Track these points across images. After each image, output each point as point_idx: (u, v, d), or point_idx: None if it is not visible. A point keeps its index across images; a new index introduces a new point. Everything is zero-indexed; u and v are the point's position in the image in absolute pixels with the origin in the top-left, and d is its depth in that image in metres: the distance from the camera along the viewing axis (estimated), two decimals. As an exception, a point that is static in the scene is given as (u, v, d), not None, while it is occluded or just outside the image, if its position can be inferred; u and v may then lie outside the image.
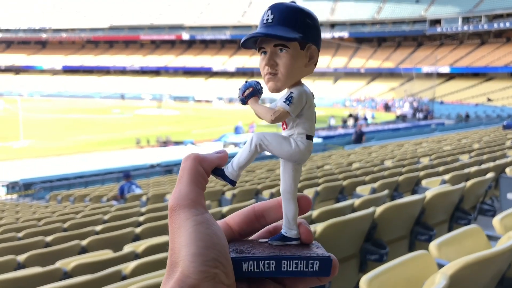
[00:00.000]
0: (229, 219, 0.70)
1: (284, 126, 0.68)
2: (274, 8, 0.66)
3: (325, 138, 28.97)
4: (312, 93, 0.68)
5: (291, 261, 0.61)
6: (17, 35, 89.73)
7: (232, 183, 0.68)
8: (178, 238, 0.57)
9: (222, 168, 0.68)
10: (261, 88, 0.69)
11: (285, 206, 0.67)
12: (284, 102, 0.66)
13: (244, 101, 0.68)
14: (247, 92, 0.68)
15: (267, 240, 0.68)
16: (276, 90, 0.67)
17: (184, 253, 0.56)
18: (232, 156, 0.68)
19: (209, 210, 5.87)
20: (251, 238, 0.70)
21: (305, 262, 0.61)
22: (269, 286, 0.62)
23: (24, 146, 30.19)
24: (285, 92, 0.67)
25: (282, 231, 0.67)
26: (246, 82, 0.69)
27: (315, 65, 0.68)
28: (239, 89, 0.69)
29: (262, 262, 0.61)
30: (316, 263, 0.61)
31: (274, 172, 11.85)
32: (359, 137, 24.84)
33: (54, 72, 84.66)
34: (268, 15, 0.67)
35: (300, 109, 0.66)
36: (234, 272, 0.59)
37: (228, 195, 8.78)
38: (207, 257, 0.55)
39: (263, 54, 0.67)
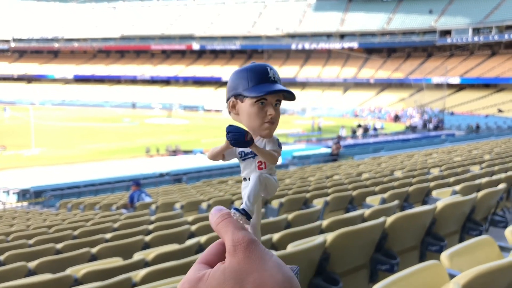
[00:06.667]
0: None
1: (263, 166, 0.79)
2: (273, 68, 0.82)
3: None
4: None
5: None
6: (29, 45, 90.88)
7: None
8: (263, 266, 0.68)
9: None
10: None
11: None
12: (278, 146, 0.79)
13: (250, 143, 0.76)
14: (249, 136, 0.76)
15: None
16: (270, 137, 0.80)
17: (272, 282, 0.67)
18: None
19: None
20: None
21: None
22: None
23: (35, 154, 30.44)
24: (258, 139, 0.80)
25: None
26: (230, 126, 0.77)
27: None
28: (238, 133, 0.76)
29: None
30: None
31: (283, 182, 11.84)
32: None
33: (65, 81, 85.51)
34: (274, 73, 0.81)
35: None
36: None
37: (238, 204, 8.78)
38: (291, 285, 0.68)
39: (262, 104, 0.78)
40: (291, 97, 0.81)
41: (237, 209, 0.74)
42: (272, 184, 0.77)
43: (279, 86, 0.78)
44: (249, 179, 0.78)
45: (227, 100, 0.84)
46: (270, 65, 0.81)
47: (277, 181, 0.78)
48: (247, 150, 0.78)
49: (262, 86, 0.78)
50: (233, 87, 0.83)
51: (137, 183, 11.67)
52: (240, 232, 0.71)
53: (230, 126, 0.76)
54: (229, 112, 0.83)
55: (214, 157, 0.81)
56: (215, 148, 0.80)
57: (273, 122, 0.78)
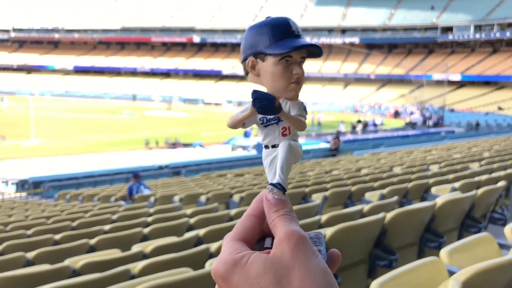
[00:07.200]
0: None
1: (288, 131, 0.72)
2: (295, 22, 0.73)
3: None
4: None
5: None
6: (29, 35, 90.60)
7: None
8: (307, 265, 0.63)
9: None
10: None
11: None
12: (304, 110, 0.71)
13: (278, 110, 0.69)
14: (277, 103, 0.68)
15: None
16: (296, 99, 0.72)
17: (322, 282, 0.62)
18: None
19: (216, 212, 5.78)
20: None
21: None
22: None
23: (34, 144, 30.42)
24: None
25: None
26: (256, 91, 0.69)
27: None
28: (266, 99, 0.68)
29: None
30: None
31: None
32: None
33: (65, 72, 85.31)
34: (297, 27, 0.72)
35: None
36: None
37: (236, 198, 8.78)
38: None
39: (287, 62, 0.70)
40: (318, 52, 0.72)
41: (273, 184, 0.68)
42: (297, 151, 0.73)
43: (305, 41, 0.70)
44: (272, 146, 0.72)
45: (244, 60, 0.75)
46: (291, 18, 0.73)
47: (301, 147, 0.72)
48: (270, 116, 0.71)
49: (286, 41, 0.70)
50: (251, 44, 0.74)
51: (136, 175, 11.66)
52: (292, 225, 0.66)
53: (255, 91, 0.68)
54: (246, 74, 0.75)
55: (234, 124, 0.75)
56: (236, 115, 0.73)
57: (299, 82, 0.71)
